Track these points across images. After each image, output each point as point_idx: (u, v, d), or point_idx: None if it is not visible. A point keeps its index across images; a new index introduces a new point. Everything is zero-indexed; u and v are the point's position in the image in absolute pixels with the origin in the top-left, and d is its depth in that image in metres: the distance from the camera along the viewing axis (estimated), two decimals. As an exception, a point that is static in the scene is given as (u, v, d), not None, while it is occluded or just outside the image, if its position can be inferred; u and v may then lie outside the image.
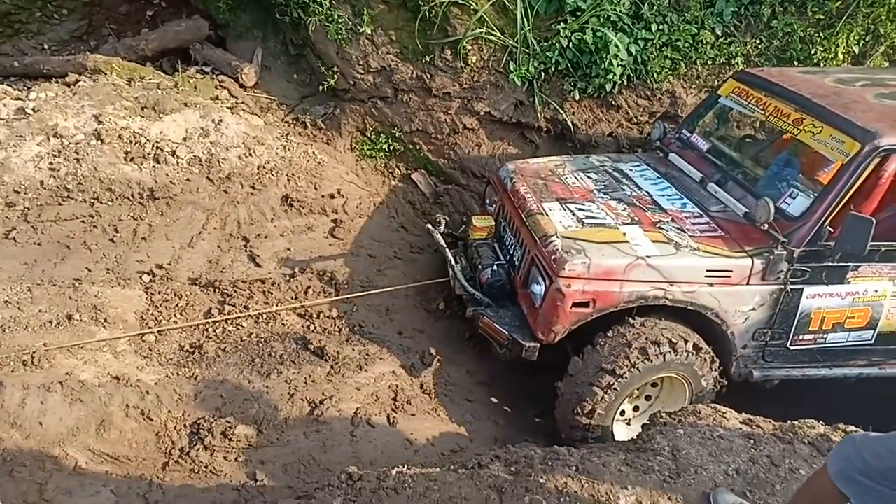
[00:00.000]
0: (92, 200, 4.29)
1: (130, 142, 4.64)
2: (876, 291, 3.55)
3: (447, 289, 4.32)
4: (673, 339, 3.41)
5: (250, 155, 4.97)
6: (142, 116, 4.88)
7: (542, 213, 3.75)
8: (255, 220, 4.61)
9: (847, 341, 3.71)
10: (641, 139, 5.47)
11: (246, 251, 4.39)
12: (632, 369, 3.38)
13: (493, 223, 4.28)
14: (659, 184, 4.18)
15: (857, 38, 5.22)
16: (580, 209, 3.81)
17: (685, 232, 3.57)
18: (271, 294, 4.13)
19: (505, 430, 3.75)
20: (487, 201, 4.69)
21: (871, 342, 3.73)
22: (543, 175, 4.28)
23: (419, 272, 4.57)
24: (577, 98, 5.40)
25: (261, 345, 3.80)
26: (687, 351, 3.44)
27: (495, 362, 3.50)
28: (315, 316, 4.06)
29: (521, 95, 5.48)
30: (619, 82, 5.29)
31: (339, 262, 4.38)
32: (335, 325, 4.07)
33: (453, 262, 3.96)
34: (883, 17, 5.18)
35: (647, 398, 3.79)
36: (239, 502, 3.02)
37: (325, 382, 3.64)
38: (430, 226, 4.30)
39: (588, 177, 4.27)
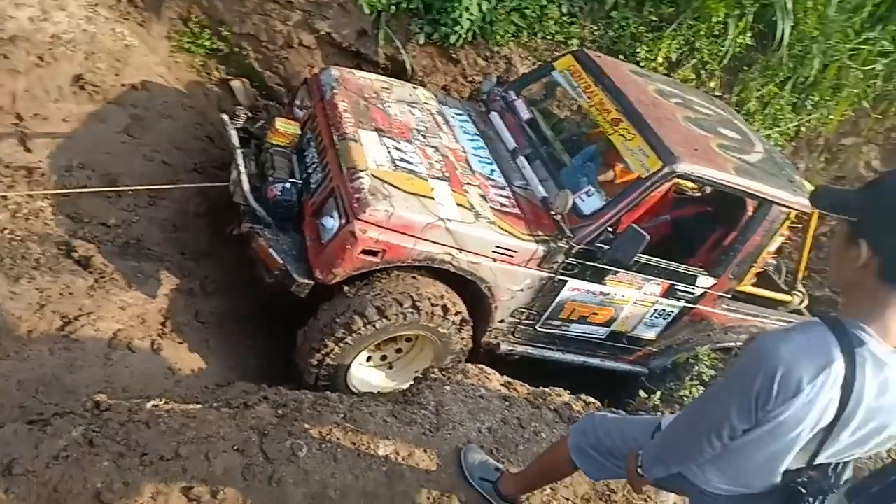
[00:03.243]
0: None
1: None
2: (623, 296, 3.86)
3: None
4: (417, 300, 3.33)
5: (45, 19, 4.23)
6: None
7: (356, 141, 3.49)
8: (36, 98, 3.97)
9: (585, 333, 4.06)
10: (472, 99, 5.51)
11: (17, 131, 3.79)
12: (366, 326, 3.29)
13: (299, 132, 3.83)
14: (475, 141, 4.12)
15: (677, 46, 5.62)
16: (396, 148, 3.61)
17: (487, 202, 3.55)
18: (39, 186, 3.61)
19: (282, 369, 3.65)
20: (297, 103, 4.22)
21: (603, 338, 4.14)
22: (367, 95, 3.99)
23: (220, 189, 4.22)
24: (420, 42, 5.29)
25: (14, 243, 3.29)
26: (433, 313, 3.39)
27: (286, 296, 3.29)
28: (87, 220, 3.62)
29: (366, 25, 5.24)
30: (465, 37, 5.25)
31: (129, 164, 3.92)
32: (109, 233, 3.64)
33: (241, 165, 3.49)
34: (701, 33, 5.62)
35: (399, 351, 3.80)
36: (-43, 419, 2.65)
37: (84, 297, 3.27)
38: (225, 116, 3.76)
39: (411, 112, 4.06)
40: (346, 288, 3.33)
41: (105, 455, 2.38)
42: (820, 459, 1.76)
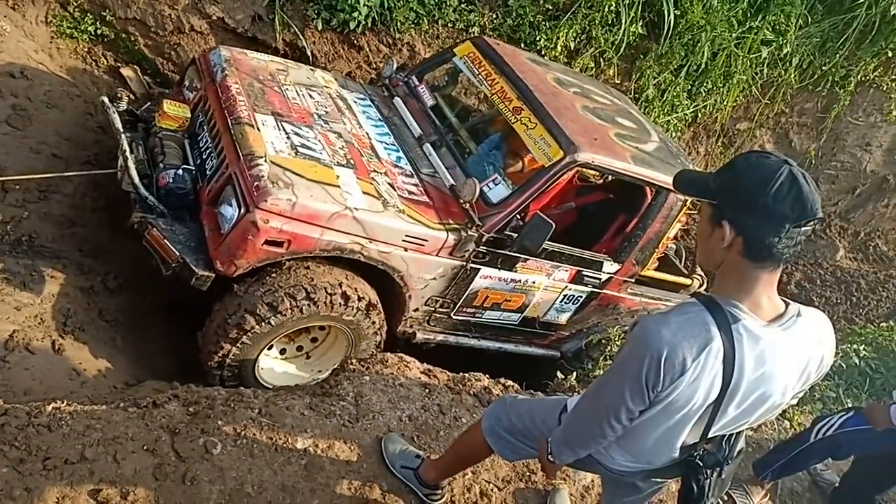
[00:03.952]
0: None
1: None
2: (533, 283, 3.95)
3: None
4: (311, 292, 3.20)
5: None
6: None
7: (252, 126, 3.32)
8: None
9: (499, 319, 4.15)
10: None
11: None
12: (260, 324, 3.17)
13: (189, 115, 3.62)
14: (380, 127, 4.05)
15: (574, 35, 5.82)
16: (297, 133, 3.48)
17: (395, 190, 3.50)
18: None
19: (193, 365, 3.54)
20: (186, 84, 4.01)
21: (516, 324, 4.24)
22: (262, 77, 3.81)
23: (115, 181, 4.02)
24: (319, 28, 5.22)
25: None
26: (332, 303, 3.28)
27: (192, 290, 3.12)
28: (-30, 218, 3.38)
29: (260, 10, 5.11)
30: (364, 23, 5.23)
31: (14, 156, 3.66)
32: (-2, 231, 3.43)
33: (127, 151, 3.24)
34: (597, 21, 5.84)
35: (314, 340, 3.71)
36: None
37: (-26, 298, 3.07)
38: (105, 99, 3.50)
39: (310, 95, 3.94)
40: (235, 286, 3.21)
41: (3, 461, 2.27)
42: (713, 432, 1.87)
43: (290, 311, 3.17)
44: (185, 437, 2.64)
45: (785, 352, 1.73)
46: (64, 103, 4.06)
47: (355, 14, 5.10)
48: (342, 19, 5.16)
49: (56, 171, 3.64)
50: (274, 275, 3.21)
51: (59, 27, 4.80)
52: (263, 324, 3.17)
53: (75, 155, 3.90)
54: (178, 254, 3.06)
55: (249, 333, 3.18)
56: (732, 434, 1.97)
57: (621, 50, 6.06)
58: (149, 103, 3.92)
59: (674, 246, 5.19)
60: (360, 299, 3.37)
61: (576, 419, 2.02)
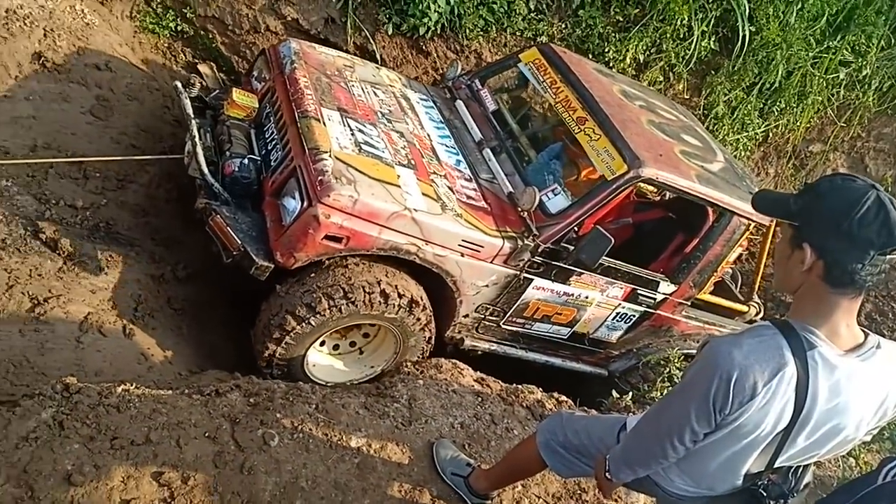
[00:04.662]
0: None
1: None
2: (586, 298, 3.88)
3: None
4: (349, 291, 3.19)
5: (-4, -7, 4.11)
6: None
7: (318, 120, 3.36)
8: (-5, 74, 3.85)
9: (548, 332, 4.09)
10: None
11: (-24, 107, 3.66)
12: (301, 324, 3.20)
13: (257, 105, 3.67)
14: (441, 129, 4.04)
15: (644, 47, 5.74)
16: (361, 130, 3.50)
17: (454, 193, 3.49)
18: (1, 167, 3.50)
19: (252, 356, 3.63)
20: (255, 75, 4.08)
21: (565, 338, 4.17)
22: (330, 72, 3.86)
23: (188, 173, 4.16)
24: (389, 32, 5.29)
25: (-20, 223, 3.23)
26: (371, 301, 3.26)
27: (254, 281, 3.18)
28: (54, 202, 3.53)
29: (334, 13, 5.22)
30: (433, 29, 5.28)
31: (95, 145, 3.82)
32: (77, 216, 3.56)
33: (196, 137, 3.31)
34: (668, 34, 5.75)
35: (367, 335, 3.71)
36: (-79, 397, 2.59)
37: (53, 279, 3.19)
38: (178, 84, 3.59)
39: (375, 94, 3.96)
40: (277, 287, 3.25)
41: (75, 438, 2.36)
42: (780, 462, 1.81)
43: (328, 311, 3.18)
44: (245, 427, 2.70)
45: (862, 384, 1.67)
46: (144, 96, 4.23)
47: (425, 20, 5.16)
48: (412, 24, 5.22)
49: (135, 164, 3.79)
50: (313, 275, 3.23)
51: (142, 22, 5.00)
52: (304, 324, 3.20)
53: (152, 146, 4.05)
54: (239, 242, 3.09)
55: (291, 334, 3.22)
56: (800, 466, 1.91)
57: (691, 64, 5.96)
58: (217, 91, 3.99)
59: (731, 270, 5.04)
60: (400, 296, 3.33)
61: (637, 437, 1.99)
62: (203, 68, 5.12)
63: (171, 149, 4.11)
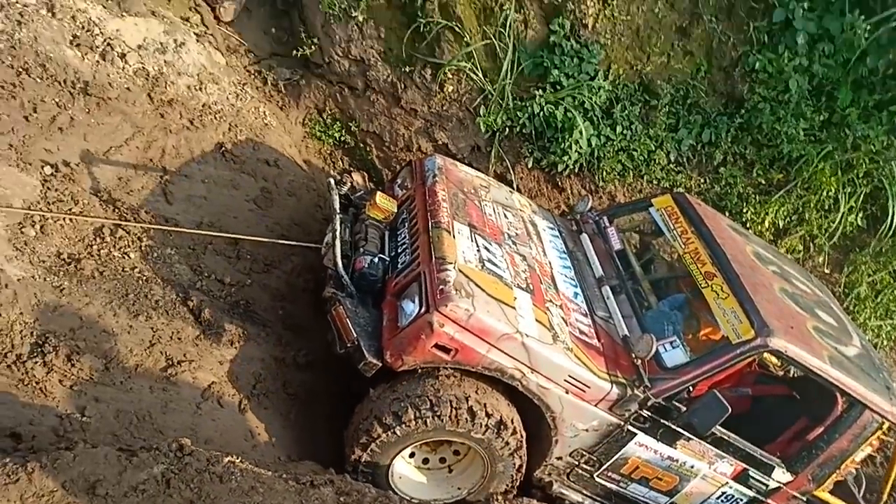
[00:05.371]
0: (20, 70, 3.96)
1: (83, 28, 4.34)
2: (691, 467, 3.62)
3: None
4: (436, 404, 3.14)
5: (200, 89, 4.77)
6: (104, 7, 4.59)
7: (449, 232, 3.48)
8: (182, 156, 4.40)
9: (643, 497, 3.81)
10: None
11: (161, 183, 4.18)
12: (386, 432, 3.17)
13: (395, 210, 3.85)
14: (563, 259, 4.05)
15: (785, 213, 5.63)
16: (486, 248, 3.59)
17: (567, 325, 3.44)
18: (169, 237, 3.93)
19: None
20: (398, 182, 4.29)
21: None
22: (466, 190, 4.03)
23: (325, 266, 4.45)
24: (529, 165, 5.55)
25: (141, 283, 3.60)
26: (457, 418, 3.17)
27: (364, 382, 3.30)
28: (207, 275, 3.90)
29: (480, 141, 5.57)
30: (572, 168, 5.47)
31: (252, 230, 4.22)
32: (224, 290, 3.92)
33: (337, 230, 3.52)
34: (812, 204, 5.62)
35: (457, 453, 3.61)
36: (57, 430, 2.83)
37: (190, 344, 3.49)
38: (332, 181, 3.86)
39: (505, 215, 4.07)
40: (371, 391, 3.28)
41: (177, 498, 2.48)
42: None
43: (413, 423, 3.14)
44: (332, 522, 2.72)
45: None
46: (301, 193, 4.67)
47: (565, 158, 5.39)
48: (552, 161, 5.47)
49: (282, 251, 4.14)
50: (404, 382, 3.24)
51: (311, 129, 5.58)
52: (390, 433, 3.17)
53: (299, 238, 4.41)
54: (354, 335, 3.17)
55: (377, 441, 3.20)
56: None
57: (835, 238, 5.74)
58: (363, 192, 4.28)
59: (855, 471, 4.46)
60: (488, 416, 3.22)
61: None
62: (356, 176, 5.60)
63: (316, 243, 4.46)
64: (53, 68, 4.07)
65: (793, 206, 5.64)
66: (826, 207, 5.65)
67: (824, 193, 5.56)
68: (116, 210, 3.90)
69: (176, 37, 4.82)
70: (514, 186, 5.57)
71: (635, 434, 3.46)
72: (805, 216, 5.66)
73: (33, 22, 4.13)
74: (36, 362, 3.02)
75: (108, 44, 4.42)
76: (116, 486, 2.41)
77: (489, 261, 3.52)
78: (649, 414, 3.39)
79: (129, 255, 3.71)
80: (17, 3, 4.16)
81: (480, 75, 5.32)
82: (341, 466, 3.36)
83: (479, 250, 3.54)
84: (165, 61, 4.65)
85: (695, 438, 3.50)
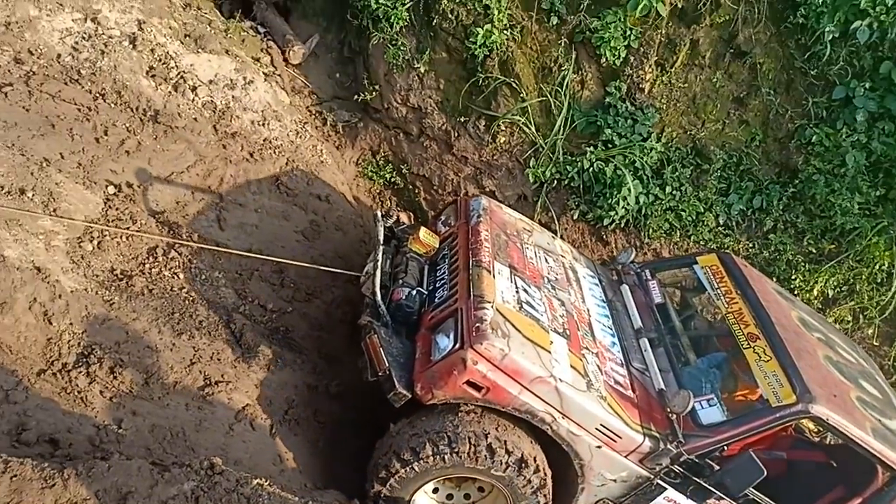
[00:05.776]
0: (97, 94, 4.24)
1: (160, 60, 4.63)
2: None
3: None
4: (454, 440, 3.11)
5: (263, 125, 5.00)
6: (181, 43, 4.89)
7: (489, 271, 3.51)
8: (239, 186, 4.60)
9: None
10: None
11: (216, 210, 4.36)
12: (405, 468, 3.15)
13: (437, 246, 3.90)
14: (602, 308, 4.04)
15: (835, 283, 5.51)
16: (525, 290, 3.60)
17: (602, 373, 3.42)
18: (218, 260, 4.08)
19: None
20: (442, 219, 4.37)
21: None
22: (509, 231, 4.06)
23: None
24: (574, 217, 5.59)
25: (187, 303, 3.74)
26: (476, 455, 3.13)
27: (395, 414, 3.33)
28: (251, 300, 4.03)
29: (527, 191, 5.65)
30: (618, 223, 5.48)
31: (296, 259, 4.36)
32: (265, 316, 4.03)
33: (379, 261, 3.59)
34: (864, 276, 5.49)
35: (481, 490, 3.54)
36: (93, 440, 2.92)
37: (229, 365, 3.58)
38: (378, 213, 3.98)
39: (546, 260, 4.08)
40: (391, 425, 3.28)
41: (206, 517, 2.53)
42: None
43: (431, 459, 3.12)
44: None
45: None
46: (348, 228, 4.80)
47: (612, 213, 5.41)
48: (598, 215, 5.49)
49: (324, 282, 4.24)
50: (424, 418, 3.23)
51: (364, 169, 5.78)
52: (408, 468, 3.16)
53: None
54: (387, 364, 3.18)
55: (396, 476, 3.19)
56: None
57: (886, 312, 5.57)
58: (406, 226, 4.37)
59: None
60: (508, 453, 3.18)
61: None
62: (402, 216, 5.72)
63: (357, 277, 4.56)
64: (128, 95, 4.34)
65: (843, 276, 5.51)
66: (878, 280, 5.51)
67: (877, 267, 5.43)
68: (171, 231, 4.08)
69: (245, 74, 5.09)
70: (558, 235, 5.60)
71: (665, 489, 3.41)
72: (856, 287, 5.52)
73: (115, 52, 4.43)
74: (80, 372, 3.15)
75: (182, 76, 4.69)
76: (147, 500, 2.47)
77: (527, 303, 3.53)
78: (681, 470, 3.34)
79: (178, 276, 3.87)
80: (103, 34, 4.48)
81: (533, 129, 5.45)
82: (364, 499, 3.37)
83: (517, 292, 3.56)
84: (233, 96, 4.91)
85: (726, 499, 3.41)
